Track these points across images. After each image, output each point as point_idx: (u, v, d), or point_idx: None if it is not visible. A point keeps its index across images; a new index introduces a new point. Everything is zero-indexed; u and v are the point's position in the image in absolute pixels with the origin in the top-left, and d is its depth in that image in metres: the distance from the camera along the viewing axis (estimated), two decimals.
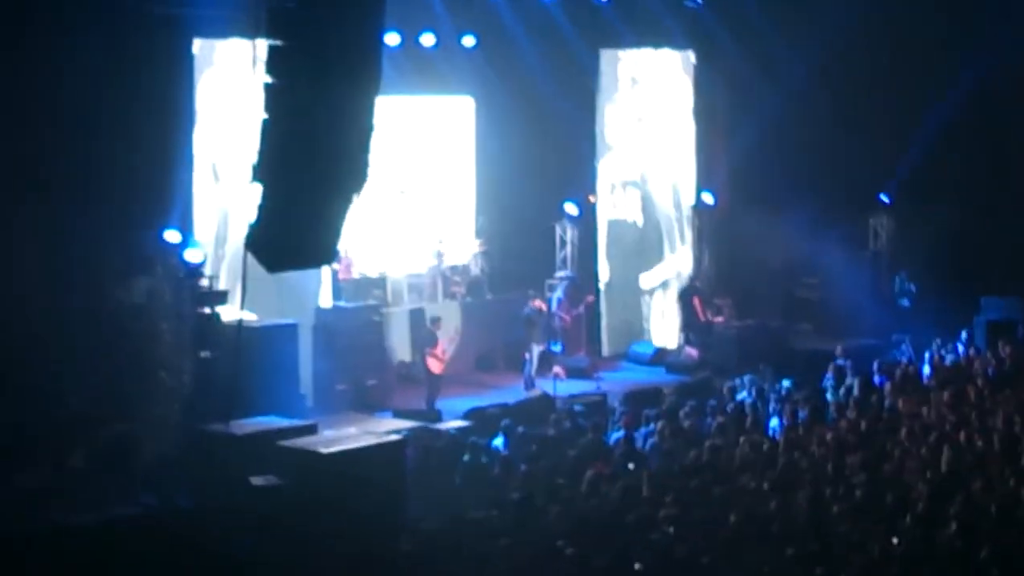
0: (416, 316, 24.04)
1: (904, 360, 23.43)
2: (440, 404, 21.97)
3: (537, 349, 24.21)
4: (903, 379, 21.52)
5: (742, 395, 21.35)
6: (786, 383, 21.71)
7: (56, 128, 18.65)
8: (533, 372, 23.99)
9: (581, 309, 26.03)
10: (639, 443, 18.58)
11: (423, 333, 23.27)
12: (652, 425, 19.02)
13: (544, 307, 24.85)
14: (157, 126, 19.55)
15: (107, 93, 18.73)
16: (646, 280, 27.89)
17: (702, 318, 26.83)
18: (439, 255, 25.35)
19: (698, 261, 28.57)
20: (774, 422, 19.78)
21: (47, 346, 18.61)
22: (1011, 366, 22.42)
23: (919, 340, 24.88)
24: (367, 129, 13.77)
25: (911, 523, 14.35)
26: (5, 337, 18.18)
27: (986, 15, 27.06)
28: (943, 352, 23.66)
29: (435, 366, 22.57)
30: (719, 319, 27.10)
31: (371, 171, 13.92)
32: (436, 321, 23.27)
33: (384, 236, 24.77)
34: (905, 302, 27.63)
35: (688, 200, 28.40)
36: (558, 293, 25.68)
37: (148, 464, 18.22)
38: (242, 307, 17.77)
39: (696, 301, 27.04)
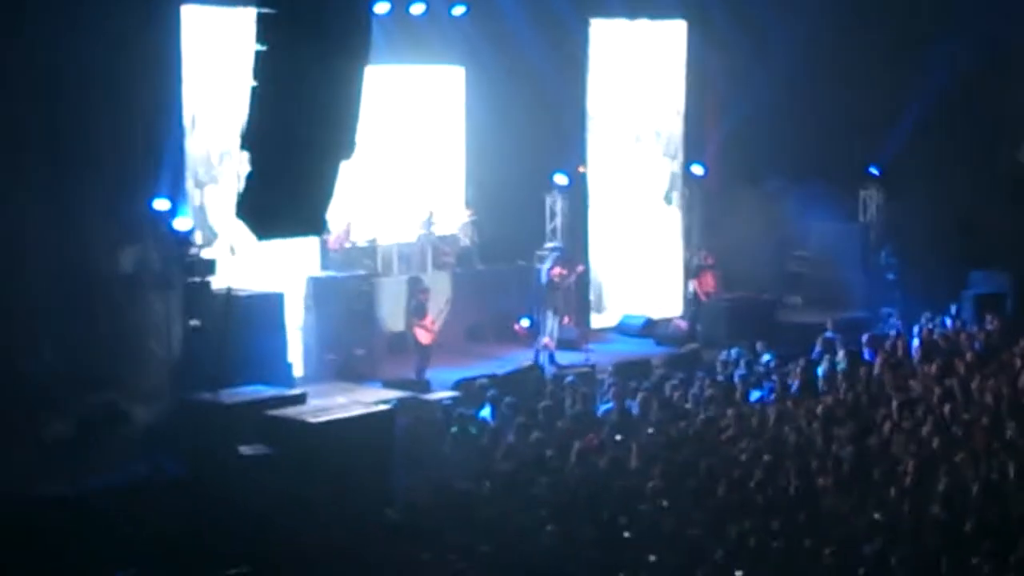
0: (411, 285, 23.91)
1: (893, 333, 23.45)
2: (429, 374, 21.94)
3: (553, 318, 24.12)
4: (891, 352, 21.58)
5: (731, 367, 21.38)
6: (775, 356, 21.73)
7: (44, 96, 18.55)
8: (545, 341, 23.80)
9: (572, 280, 25.93)
10: (628, 415, 18.60)
11: (412, 303, 23.22)
12: (641, 397, 19.04)
13: (564, 273, 24.66)
14: (146, 95, 19.44)
15: (96, 61, 18.56)
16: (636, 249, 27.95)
17: (702, 297, 26.67)
18: (428, 224, 25.26)
19: (688, 232, 28.53)
20: (763, 394, 19.83)
21: (33, 314, 18.56)
22: (998, 339, 22.50)
23: (908, 313, 24.95)
24: (356, 97, 13.73)
25: (897, 496, 14.42)
26: None
27: None
28: (931, 325, 23.70)
29: (424, 337, 22.54)
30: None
31: (360, 139, 13.88)
32: (424, 291, 23.21)
33: (373, 205, 24.68)
34: (891, 275, 27.61)
35: (677, 170, 28.42)
36: (548, 264, 25.59)
37: (136, 433, 18.25)
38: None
39: (701, 279, 26.85)
